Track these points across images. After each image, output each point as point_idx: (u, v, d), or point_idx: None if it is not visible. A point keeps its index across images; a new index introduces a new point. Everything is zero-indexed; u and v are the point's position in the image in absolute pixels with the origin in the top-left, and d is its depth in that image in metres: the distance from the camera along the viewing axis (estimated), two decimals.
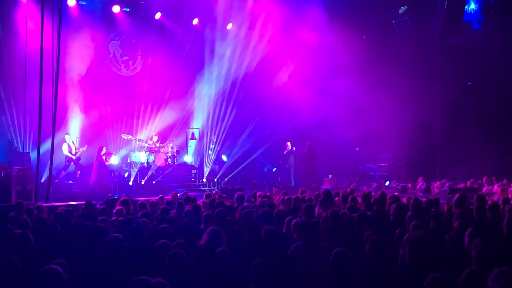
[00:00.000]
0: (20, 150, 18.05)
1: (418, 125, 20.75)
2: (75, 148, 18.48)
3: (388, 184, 19.95)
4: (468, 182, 17.45)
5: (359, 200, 10.58)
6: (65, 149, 18.21)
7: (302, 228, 6.99)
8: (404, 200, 10.64)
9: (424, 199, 10.75)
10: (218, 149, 22.29)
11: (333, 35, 20.88)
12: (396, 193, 12.96)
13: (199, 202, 11.35)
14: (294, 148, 21.26)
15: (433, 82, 21.77)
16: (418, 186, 17.98)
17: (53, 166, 14.69)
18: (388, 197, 10.57)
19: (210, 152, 22.17)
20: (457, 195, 9.42)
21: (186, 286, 5.49)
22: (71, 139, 18.56)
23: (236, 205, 10.73)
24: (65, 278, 5.10)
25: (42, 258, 6.19)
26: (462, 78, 22.56)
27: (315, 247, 6.61)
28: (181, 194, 15.15)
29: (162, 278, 4.84)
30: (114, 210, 9.68)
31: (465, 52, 22.41)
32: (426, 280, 4.56)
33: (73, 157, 18.29)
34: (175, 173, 20.81)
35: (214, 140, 22.19)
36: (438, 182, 17.77)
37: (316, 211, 9.40)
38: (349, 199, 10.39)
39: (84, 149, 18.69)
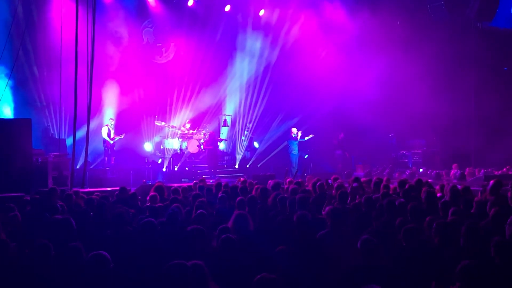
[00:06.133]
0: (56, 137, 18.37)
1: (452, 111, 20.44)
2: (113, 135, 18.76)
3: (422, 171, 19.75)
4: (504, 169, 17.21)
5: (391, 186, 10.54)
6: (104, 133, 18.56)
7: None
8: (437, 187, 10.55)
9: (459, 186, 10.62)
10: (250, 135, 22.34)
11: (367, 20, 20.69)
12: (430, 180, 12.83)
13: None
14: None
15: (468, 67, 21.40)
16: (452, 173, 17.78)
17: (88, 152, 14.91)
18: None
19: (243, 138, 22.25)
20: (491, 182, 9.30)
21: (220, 269, 5.55)
22: (112, 125, 18.87)
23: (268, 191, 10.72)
24: (111, 265, 5.20)
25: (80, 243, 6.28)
26: (497, 63, 22.13)
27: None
28: (214, 180, 15.28)
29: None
30: (148, 197, 9.81)
31: (501, 37, 21.96)
32: (457, 267, 4.56)
33: (111, 141, 18.59)
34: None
35: (249, 126, 22.20)
36: (469, 169, 17.54)
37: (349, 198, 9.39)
38: (382, 186, 10.35)
39: (122, 137, 18.97)
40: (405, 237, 6.04)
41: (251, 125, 22.26)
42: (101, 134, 18.69)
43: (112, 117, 19.42)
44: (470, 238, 5.79)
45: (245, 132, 22.22)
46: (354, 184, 10.52)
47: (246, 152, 22.27)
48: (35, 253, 5.64)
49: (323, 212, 8.41)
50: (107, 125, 18.73)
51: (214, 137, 20.15)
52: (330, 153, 22.21)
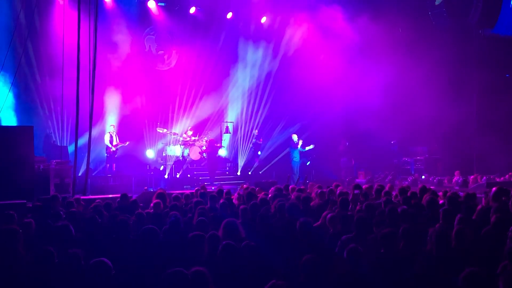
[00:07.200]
0: (58, 144, 18.36)
1: (455, 118, 20.42)
2: (117, 142, 18.73)
3: (424, 178, 19.73)
4: (507, 176, 17.18)
5: (393, 193, 10.53)
6: (106, 139, 18.56)
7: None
8: (440, 194, 10.53)
9: (461, 193, 10.61)
10: (254, 140, 22.20)
11: (368, 27, 20.69)
12: (432, 187, 12.81)
13: (234, 195, 11.43)
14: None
15: (470, 73, 21.42)
16: (454, 180, 17.77)
17: (90, 160, 14.91)
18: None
19: (250, 145, 22.18)
20: (494, 189, 9.27)
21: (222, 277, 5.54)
22: (115, 131, 18.85)
23: (270, 198, 10.72)
24: (113, 272, 5.18)
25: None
26: (500, 70, 22.13)
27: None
28: (216, 187, 15.27)
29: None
30: (152, 204, 9.79)
31: (503, 44, 21.96)
32: (462, 273, 4.54)
33: (113, 148, 18.58)
34: None
35: (255, 133, 22.13)
36: (472, 176, 17.54)
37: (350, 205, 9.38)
38: (383, 193, 10.34)
39: (126, 145, 18.95)
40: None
41: (256, 131, 22.19)
42: (103, 141, 18.70)
43: (114, 123, 19.38)
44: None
45: (253, 140, 22.07)
46: (356, 191, 10.51)
47: (256, 159, 22.07)
48: (39, 259, 5.63)
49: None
50: (109, 132, 18.72)
51: (213, 144, 20.13)
52: (332, 160, 22.18)
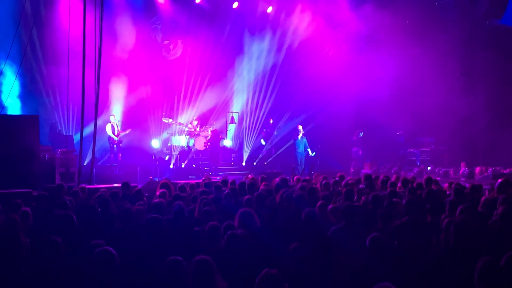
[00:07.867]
0: (64, 133, 18.40)
1: (462, 109, 20.32)
2: (118, 131, 18.76)
3: (430, 169, 19.67)
4: None
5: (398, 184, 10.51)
6: (108, 130, 18.57)
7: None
8: (445, 185, 10.50)
9: (467, 185, 10.57)
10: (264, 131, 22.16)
11: (375, 16, 20.58)
12: (438, 178, 12.77)
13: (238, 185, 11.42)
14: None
15: (478, 65, 21.27)
16: (460, 172, 17.72)
17: (96, 149, 14.94)
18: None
19: (262, 142, 22.11)
20: (499, 180, 9.24)
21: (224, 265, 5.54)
22: (116, 120, 18.86)
23: (274, 188, 10.71)
24: (118, 261, 5.18)
25: (84, 239, 6.29)
26: (507, 61, 21.97)
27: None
28: (220, 177, 15.28)
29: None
30: (158, 193, 9.81)
31: (510, 35, 21.80)
32: (478, 264, 4.52)
33: (116, 138, 18.59)
34: None
35: (271, 122, 22.11)
36: (478, 167, 17.49)
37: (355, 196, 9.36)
38: (388, 184, 10.32)
39: (127, 133, 18.96)
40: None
41: (272, 120, 22.15)
42: (106, 132, 18.72)
43: (118, 113, 19.39)
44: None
45: (275, 133, 22.04)
46: (361, 186, 10.49)
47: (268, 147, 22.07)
48: (45, 249, 5.65)
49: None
50: (110, 122, 18.72)
51: (216, 135, 20.10)
52: (338, 150, 22.08)
